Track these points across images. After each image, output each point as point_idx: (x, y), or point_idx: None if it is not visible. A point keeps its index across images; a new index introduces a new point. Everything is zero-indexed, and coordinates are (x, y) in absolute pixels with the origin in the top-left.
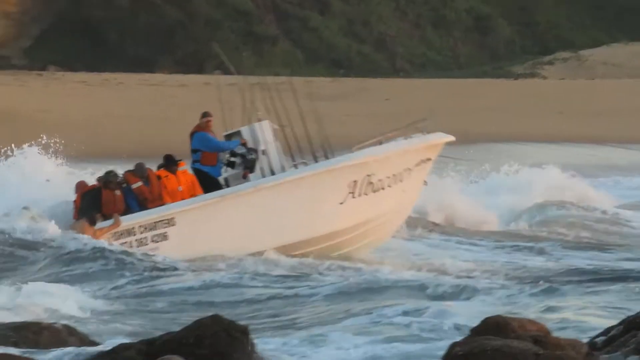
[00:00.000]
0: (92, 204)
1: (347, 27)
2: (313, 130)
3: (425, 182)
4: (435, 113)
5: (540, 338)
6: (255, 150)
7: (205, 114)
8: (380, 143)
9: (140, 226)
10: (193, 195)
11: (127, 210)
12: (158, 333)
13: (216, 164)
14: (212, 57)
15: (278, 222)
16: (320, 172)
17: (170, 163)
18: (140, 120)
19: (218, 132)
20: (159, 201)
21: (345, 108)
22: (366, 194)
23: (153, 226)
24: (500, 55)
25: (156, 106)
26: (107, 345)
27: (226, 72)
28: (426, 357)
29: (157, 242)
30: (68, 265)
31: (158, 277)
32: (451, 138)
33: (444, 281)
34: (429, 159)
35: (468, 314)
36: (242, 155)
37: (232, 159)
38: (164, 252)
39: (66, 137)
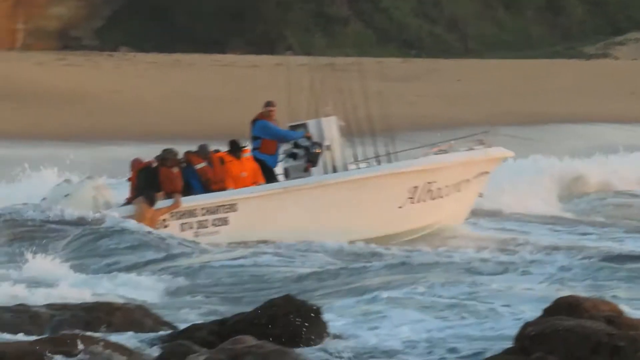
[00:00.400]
0: (148, 182)
1: (418, 8)
2: (379, 114)
3: (481, 194)
4: (507, 94)
5: (613, 318)
6: (319, 145)
7: (268, 103)
8: (445, 152)
9: (202, 208)
10: (255, 182)
11: (188, 190)
12: (227, 314)
13: (274, 153)
14: (283, 38)
15: (336, 219)
16: (384, 174)
17: (235, 149)
18: (211, 101)
19: (282, 120)
20: (221, 184)
21: (417, 89)
22: (424, 201)
23: (215, 210)
24: (571, 36)
25: (227, 87)
26: (179, 325)
27: (297, 52)
28: (497, 339)
29: (218, 225)
30: (133, 252)
31: (218, 259)
32: (511, 154)
33: (512, 259)
34: (486, 172)
35: (538, 294)
36: (306, 148)
37: (295, 150)
38: (223, 237)
39: (137, 118)
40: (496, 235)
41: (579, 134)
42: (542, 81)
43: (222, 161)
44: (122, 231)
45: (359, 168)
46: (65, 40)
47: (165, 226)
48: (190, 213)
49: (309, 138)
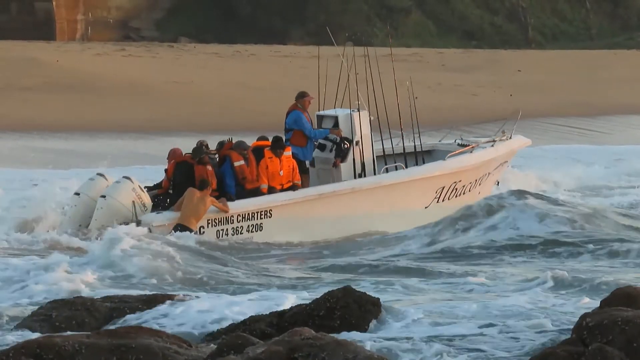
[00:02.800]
0: (184, 178)
1: None
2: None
3: (497, 183)
4: (567, 85)
5: None
6: (349, 141)
7: (303, 94)
8: (472, 151)
9: (238, 215)
10: (291, 181)
11: (220, 187)
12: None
13: (305, 145)
14: (344, 28)
15: (367, 221)
16: (414, 179)
17: (277, 146)
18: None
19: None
20: (256, 183)
21: (477, 79)
22: (449, 199)
23: (251, 216)
24: (632, 26)
25: (287, 78)
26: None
27: (357, 43)
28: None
29: (252, 232)
30: None
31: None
32: (529, 142)
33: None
34: (506, 162)
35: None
36: (336, 143)
37: (324, 142)
38: (257, 242)
39: (197, 109)
40: None
41: (637, 124)
42: (602, 72)
43: (261, 155)
44: None
45: (387, 169)
46: (126, 31)
47: (202, 232)
48: (227, 219)
49: (339, 135)
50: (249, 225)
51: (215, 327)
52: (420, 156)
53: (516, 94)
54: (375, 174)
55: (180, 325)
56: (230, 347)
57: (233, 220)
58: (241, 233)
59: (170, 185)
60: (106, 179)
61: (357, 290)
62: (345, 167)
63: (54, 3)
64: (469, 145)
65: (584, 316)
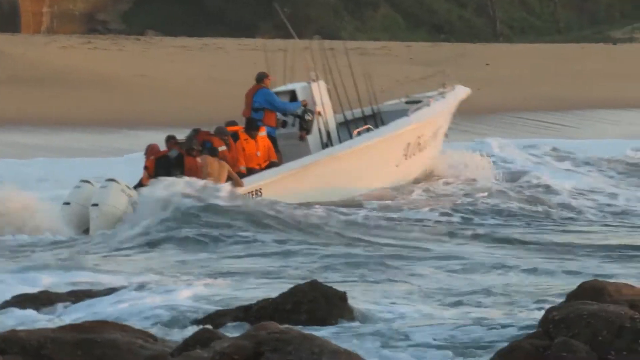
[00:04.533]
0: (166, 172)
1: None
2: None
3: (447, 135)
4: (535, 79)
5: (637, 302)
6: (312, 112)
7: (264, 74)
8: (428, 105)
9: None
10: (267, 160)
11: None
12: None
13: (275, 125)
14: (311, 21)
15: (346, 183)
16: (388, 137)
17: (252, 127)
18: (240, 85)
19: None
20: (236, 166)
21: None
22: (414, 154)
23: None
24: (600, 20)
25: (254, 71)
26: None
27: (325, 36)
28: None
29: None
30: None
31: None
32: (469, 90)
33: None
34: (452, 112)
35: None
36: (298, 116)
37: (285, 118)
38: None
39: (164, 103)
40: None
41: (607, 119)
42: (571, 66)
43: (236, 138)
44: None
45: (359, 132)
46: (92, 24)
47: None
48: None
49: (305, 106)
50: None
51: (180, 321)
52: (379, 118)
53: (484, 88)
54: (340, 141)
55: (146, 319)
56: (196, 341)
57: None
58: None
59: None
60: (92, 184)
61: (324, 284)
62: (312, 138)
63: None
64: (418, 101)
65: (550, 310)
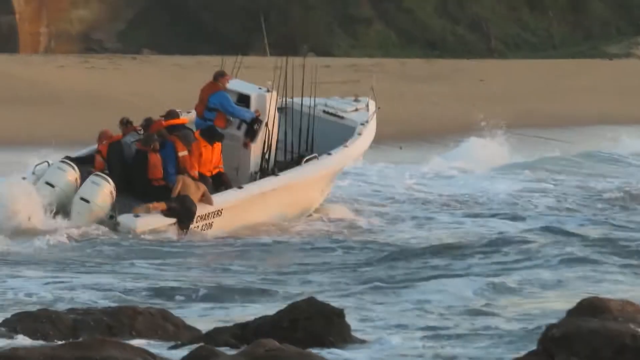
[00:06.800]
0: (119, 158)
1: (442, 8)
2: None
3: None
4: (531, 94)
5: (638, 319)
6: (260, 122)
7: (223, 73)
8: (360, 133)
9: (198, 216)
10: (217, 165)
11: (165, 176)
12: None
13: (225, 127)
14: (306, 39)
15: (295, 209)
16: (332, 168)
17: (214, 138)
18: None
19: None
20: (193, 171)
21: (440, 89)
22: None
23: (205, 217)
24: (595, 36)
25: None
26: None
27: (319, 53)
28: None
29: (204, 230)
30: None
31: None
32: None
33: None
34: None
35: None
36: (247, 124)
37: (232, 119)
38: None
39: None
40: None
41: (603, 135)
42: (566, 81)
43: (173, 128)
44: None
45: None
46: (88, 43)
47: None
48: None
49: (257, 116)
50: (202, 225)
51: (180, 339)
52: (284, 112)
53: (479, 104)
54: (276, 155)
55: (144, 338)
56: (194, 358)
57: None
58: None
59: (106, 166)
60: (75, 170)
61: (321, 301)
62: (255, 148)
63: (16, 16)
64: (335, 113)
65: (550, 327)
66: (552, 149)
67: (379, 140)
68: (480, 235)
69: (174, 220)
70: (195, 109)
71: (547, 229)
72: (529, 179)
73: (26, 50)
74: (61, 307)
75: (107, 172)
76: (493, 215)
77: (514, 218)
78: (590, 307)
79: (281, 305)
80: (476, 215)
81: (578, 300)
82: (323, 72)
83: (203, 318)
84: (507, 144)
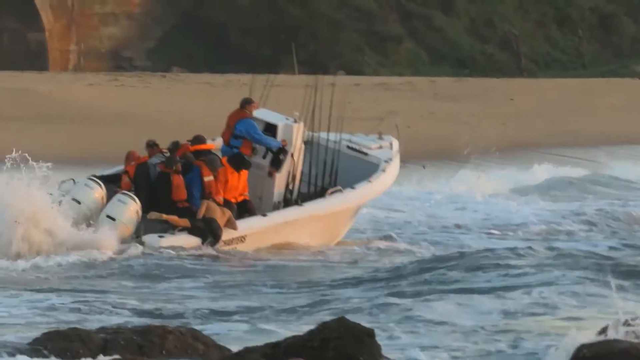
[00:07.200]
0: (146, 180)
1: (471, 26)
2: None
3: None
4: (560, 113)
5: None
6: (286, 152)
7: (250, 100)
8: (384, 170)
9: (222, 241)
10: (243, 192)
11: (189, 199)
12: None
13: (251, 155)
14: (335, 57)
15: (318, 235)
16: (355, 202)
17: (242, 163)
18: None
19: None
20: (217, 195)
21: (470, 108)
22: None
23: (230, 242)
24: (625, 54)
25: (280, 107)
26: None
27: (348, 72)
28: None
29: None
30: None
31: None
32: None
33: None
34: None
35: None
36: (273, 153)
37: (258, 146)
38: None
39: (185, 136)
40: None
41: (633, 155)
42: (596, 100)
43: (200, 154)
44: None
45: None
46: (118, 61)
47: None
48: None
49: (284, 146)
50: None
51: (209, 359)
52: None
53: (509, 123)
54: (300, 185)
55: (174, 357)
56: None
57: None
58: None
59: (133, 187)
60: (101, 187)
61: (352, 321)
62: (279, 177)
63: (46, 34)
64: (359, 149)
65: (580, 347)
66: (581, 169)
67: (407, 159)
68: (504, 253)
69: (198, 240)
70: (222, 136)
71: (572, 249)
72: (554, 199)
73: (55, 67)
74: (91, 325)
75: (133, 192)
76: (515, 235)
77: (541, 239)
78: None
79: (311, 325)
80: (502, 237)
81: (607, 319)
82: (352, 90)
83: (233, 337)
84: (533, 164)
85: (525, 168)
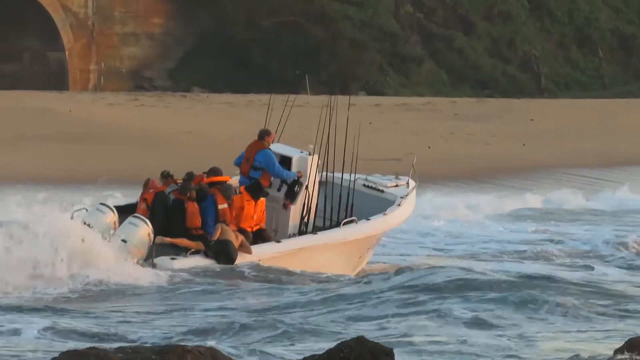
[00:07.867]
0: (163, 208)
1: (492, 47)
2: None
3: None
4: (581, 134)
5: None
6: (301, 184)
7: (268, 132)
8: (399, 204)
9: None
10: (259, 222)
11: (204, 227)
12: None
13: (269, 186)
14: (357, 78)
15: (332, 265)
16: (369, 233)
17: (259, 194)
18: (284, 140)
19: None
20: (231, 223)
21: (490, 128)
22: (370, 249)
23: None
24: None
25: (301, 127)
26: None
27: (370, 93)
28: None
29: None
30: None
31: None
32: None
33: None
34: None
35: None
36: (288, 185)
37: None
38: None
39: (209, 159)
40: None
41: None
42: (616, 121)
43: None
44: None
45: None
46: (138, 81)
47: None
48: None
49: (299, 178)
50: None
51: None
52: (322, 186)
53: (529, 143)
54: (315, 219)
55: None
56: None
57: None
58: None
59: (148, 214)
60: (113, 212)
61: (370, 340)
62: (294, 209)
63: (66, 53)
64: (375, 187)
65: None
66: (599, 189)
67: (428, 179)
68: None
69: (212, 261)
70: (241, 168)
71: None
72: (571, 221)
73: (75, 87)
74: (109, 345)
75: (148, 218)
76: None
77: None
78: (637, 346)
79: (330, 344)
80: (519, 260)
81: (625, 339)
82: (373, 110)
83: (252, 357)
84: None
85: (548, 190)
